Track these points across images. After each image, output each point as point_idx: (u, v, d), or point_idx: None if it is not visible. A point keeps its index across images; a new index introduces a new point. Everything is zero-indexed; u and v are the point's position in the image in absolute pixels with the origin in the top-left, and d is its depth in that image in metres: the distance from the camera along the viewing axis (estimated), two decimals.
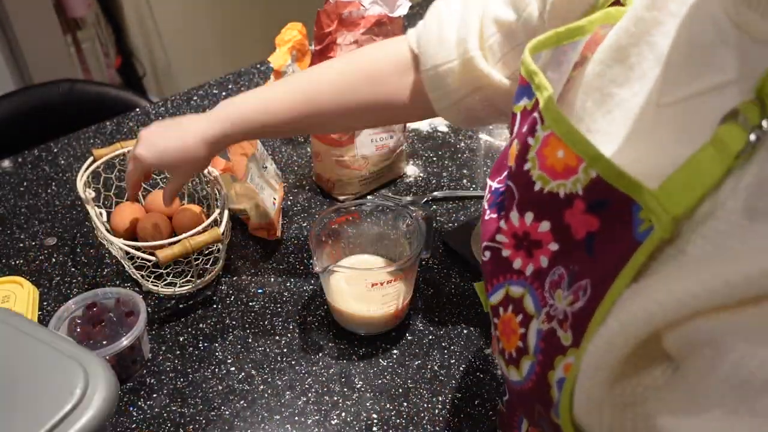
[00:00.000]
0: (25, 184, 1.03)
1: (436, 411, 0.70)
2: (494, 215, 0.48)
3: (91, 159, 0.87)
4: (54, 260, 0.89)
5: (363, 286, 0.72)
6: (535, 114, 0.43)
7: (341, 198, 0.97)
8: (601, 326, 0.35)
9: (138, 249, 0.77)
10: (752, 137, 0.30)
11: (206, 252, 0.83)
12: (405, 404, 0.70)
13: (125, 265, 0.80)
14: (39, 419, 0.49)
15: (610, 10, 0.47)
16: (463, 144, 1.09)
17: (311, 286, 0.84)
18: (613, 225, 0.36)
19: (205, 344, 0.77)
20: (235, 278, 0.86)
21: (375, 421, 0.69)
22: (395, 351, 0.76)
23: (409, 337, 0.78)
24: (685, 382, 0.33)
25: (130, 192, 0.79)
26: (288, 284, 0.85)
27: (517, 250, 0.44)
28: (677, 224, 0.33)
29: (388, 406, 0.70)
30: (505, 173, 0.48)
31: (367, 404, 0.70)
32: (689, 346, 0.32)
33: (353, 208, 0.79)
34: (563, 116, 0.40)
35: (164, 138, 0.73)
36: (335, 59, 0.73)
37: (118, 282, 0.85)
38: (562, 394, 0.38)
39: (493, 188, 0.50)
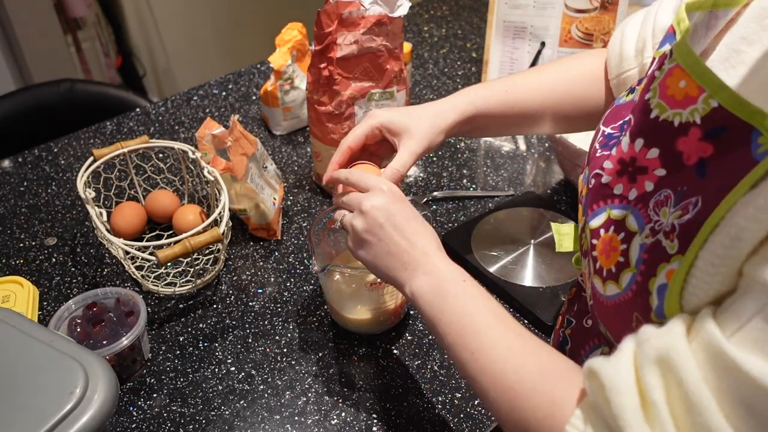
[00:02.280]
0: (25, 183, 1.03)
1: (436, 411, 0.70)
2: (606, 153, 0.51)
3: (91, 159, 0.87)
4: (54, 260, 0.89)
5: (362, 286, 0.72)
6: (667, 51, 0.45)
7: None
8: (715, 231, 0.37)
9: (138, 249, 0.77)
10: None
11: (206, 252, 0.83)
12: (405, 404, 0.70)
13: (125, 265, 0.80)
14: (39, 419, 0.49)
15: None
16: (463, 144, 1.09)
17: (311, 286, 0.84)
18: (728, 150, 0.39)
19: (205, 344, 0.77)
20: (235, 278, 0.86)
21: (375, 421, 0.69)
22: (395, 351, 0.76)
23: (409, 337, 0.78)
24: None
25: (338, 157, 0.70)
26: (288, 284, 0.85)
27: (620, 176, 0.47)
28: None
29: (388, 406, 0.70)
30: (621, 121, 0.51)
31: (367, 404, 0.70)
32: None
33: None
34: (691, 50, 0.43)
35: (410, 107, 0.73)
36: (545, 71, 0.77)
37: (118, 282, 0.85)
38: (667, 298, 0.41)
39: (606, 132, 0.53)
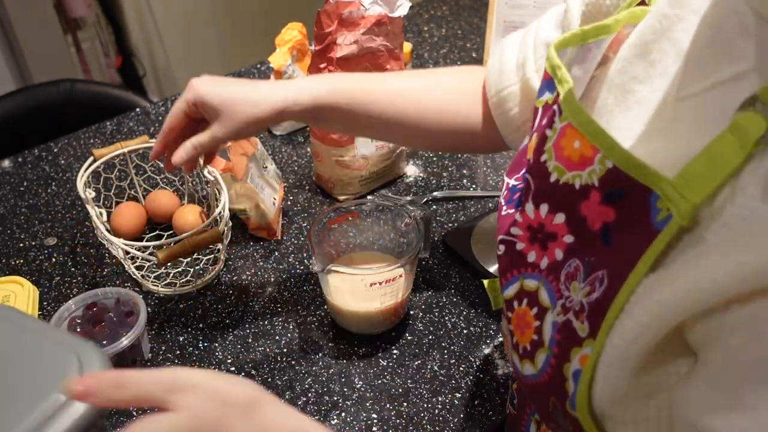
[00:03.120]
0: (25, 183, 1.03)
1: (436, 411, 0.70)
2: (511, 210, 0.49)
3: (91, 159, 0.87)
4: (54, 260, 0.89)
5: (362, 286, 0.72)
6: (555, 107, 0.43)
7: (341, 198, 0.97)
8: (623, 317, 0.35)
9: (138, 249, 0.77)
10: None
11: (206, 252, 0.83)
12: (405, 404, 0.70)
13: (125, 265, 0.80)
14: (34, 410, 0.48)
15: (635, 10, 0.47)
16: None
17: (311, 286, 0.84)
18: (629, 215, 0.36)
19: (205, 344, 0.77)
20: (235, 278, 0.86)
21: (375, 421, 0.69)
22: (395, 351, 0.76)
23: (409, 337, 0.78)
24: (710, 371, 0.33)
25: (160, 138, 0.67)
26: (288, 284, 0.85)
27: (532, 243, 0.44)
28: (696, 212, 0.33)
29: (388, 406, 0.70)
30: (524, 170, 0.48)
31: (367, 404, 0.70)
32: (713, 334, 0.32)
33: (352, 207, 0.79)
34: (581, 108, 0.40)
35: (233, 81, 0.67)
36: (412, 78, 0.74)
37: (118, 282, 0.85)
38: (579, 385, 0.38)
39: (510, 185, 0.51)
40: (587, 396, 0.37)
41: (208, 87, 0.64)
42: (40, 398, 0.49)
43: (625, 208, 0.37)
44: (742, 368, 0.31)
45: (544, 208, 0.43)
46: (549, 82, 0.46)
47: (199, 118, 0.66)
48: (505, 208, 0.50)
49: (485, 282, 0.61)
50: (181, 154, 0.65)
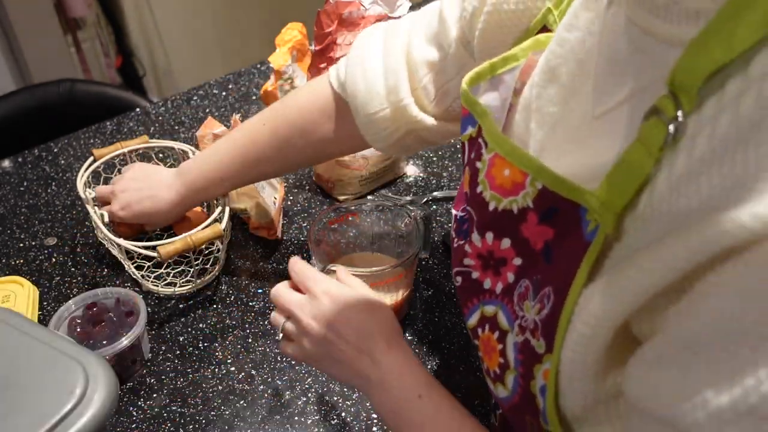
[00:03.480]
0: (25, 183, 1.03)
1: None
2: (461, 242, 0.50)
3: (91, 159, 0.87)
4: (54, 260, 0.89)
5: None
6: (480, 140, 0.45)
7: (341, 198, 0.97)
8: (570, 329, 0.36)
9: (138, 247, 0.77)
10: (671, 128, 0.31)
11: (206, 252, 0.83)
12: None
13: (125, 265, 0.80)
14: (39, 419, 0.49)
15: (539, 37, 0.49)
16: None
17: None
18: (565, 231, 0.38)
19: (205, 344, 0.77)
20: (235, 278, 0.86)
21: (375, 421, 0.69)
22: None
23: (409, 337, 0.78)
24: (653, 349, 0.34)
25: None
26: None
27: (485, 270, 0.46)
28: (619, 219, 0.35)
29: None
30: (464, 204, 0.50)
31: (367, 404, 0.70)
32: (656, 324, 0.34)
33: (352, 208, 0.79)
34: (504, 137, 0.43)
35: (139, 202, 0.81)
36: (265, 114, 0.76)
37: (118, 282, 0.85)
38: (547, 399, 0.39)
39: (458, 217, 0.52)
40: (555, 409, 0.39)
41: (130, 216, 0.82)
42: (46, 409, 0.50)
43: (560, 224, 0.39)
44: (683, 342, 0.32)
45: (489, 236, 0.45)
46: (468, 117, 0.48)
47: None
48: (456, 240, 0.51)
49: None
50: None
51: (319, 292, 0.58)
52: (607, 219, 0.35)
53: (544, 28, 0.51)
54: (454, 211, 0.54)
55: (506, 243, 0.43)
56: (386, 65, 0.65)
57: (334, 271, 0.71)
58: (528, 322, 0.41)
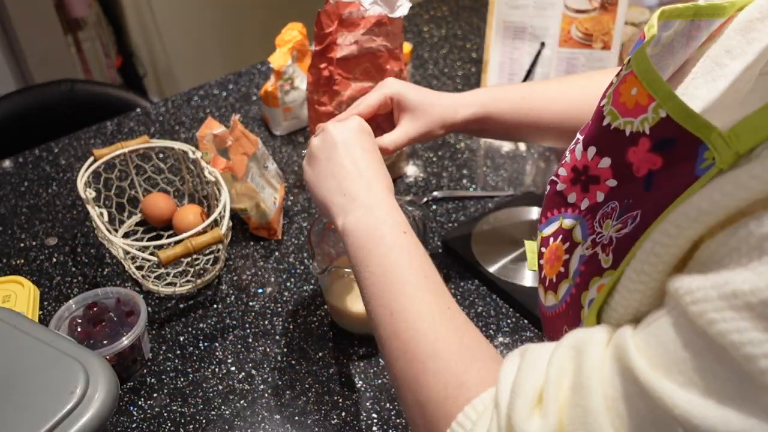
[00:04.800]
0: (25, 184, 1.03)
1: None
2: (569, 159, 0.50)
3: (91, 159, 0.87)
4: (55, 260, 0.89)
5: None
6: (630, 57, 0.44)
7: None
8: (644, 242, 0.36)
9: (139, 249, 0.77)
10: None
11: (206, 252, 0.84)
12: None
13: (125, 265, 0.81)
14: (39, 419, 0.49)
15: None
16: (463, 144, 1.09)
17: (311, 286, 0.84)
18: (675, 164, 0.37)
19: (206, 344, 0.78)
20: (235, 278, 0.86)
21: (375, 421, 0.69)
22: None
23: None
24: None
25: (349, 114, 0.68)
26: (288, 284, 0.85)
27: (573, 184, 0.46)
28: (737, 159, 0.34)
29: (388, 406, 0.70)
30: None
31: (367, 404, 0.71)
32: (727, 245, 0.33)
33: None
34: (647, 57, 0.41)
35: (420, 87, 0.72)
36: (564, 83, 0.74)
37: (118, 282, 0.85)
38: (590, 311, 0.39)
39: (579, 140, 0.52)
40: (594, 323, 0.39)
41: (406, 86, 0.69)
42: (46, 409, 0.50)
43: (673, 157, 0.38)
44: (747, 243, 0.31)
45: (591, 151, 0.44)
46: (641, 41, 0.46)
47: (385, 112, 0.70)
48: (566, 157, 0.51)
49: (527, 243, 0.66)
50: (388, 151, 0.68)
51: (352, 118, 0.62)
52: (726, 156, 0.34)
53: None
54: (578, 134, 0.52)
55: (606, 162, 0.43)
56: None
57: (335, 272, 0.71)
58: (603, 237, 0.41)
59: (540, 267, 0.48)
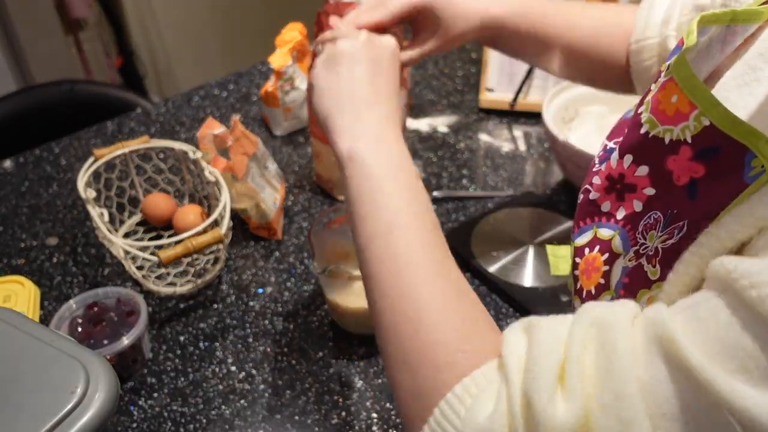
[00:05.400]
0: (26, 184, 1.03)
1: None
2: (601, 167, 0.49)
3: (92, 159, 0.87)
4: (55, 260, 0.89)
5: (362, 286, 0.72)
6: (668, 63, 0.43)
7: (341, 198, 0.97)
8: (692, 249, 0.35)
9: (139, 249, 0.77)
10: None
11: (207, 252, 0.84)
12: None
13: (126, 265, 0.81)
14: (39, 419, 0.49)
15: None
16: (463, 144, 1.09)
17: (311, 286, 0.84)
18: (720, 171, 0.37)
19: (206, 344, 0.78)
20: (235, 278, 0.86)
21: (375, 420, 0.69)
22: None
23: None
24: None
25: (361, 21, 0.63)
26: (288, 284, 0.85)
27: (608, 193, 0.45)
28: None
29: (388, 405, 0.70)
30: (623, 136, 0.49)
31: (367, 404, 0.71)
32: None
33: None
34: (687, 64, 0.40)
35: None
36: (583, 12, 0.72)
37: (119, 282, 0.85)
38: None
39: (608, 147, 0.51)
40: None
41: None
42: (46, 409, 0.50)
43: (717, 165, 0.37)
44: None
45: (628, 159, 0.44)
46: (679, 48, 0.46)
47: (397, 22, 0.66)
48: (597, 165, 0.50)
49: (548, 247, 0.62)
50: (408, 64, 0.67)
51: (392, 44, 0.58)
52: None
53: None
54: (605, 141, 0.51)
55: (643, 170, 0.42)
56: (670, 1, 0.65)
57: (335, 272, 0.71)
58: (648, 249, 0.40)
59: (575, 278, 0.47)
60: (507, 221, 0.90)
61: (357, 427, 0.68)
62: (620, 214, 0.44)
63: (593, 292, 0.44)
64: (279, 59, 1.05)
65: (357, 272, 0.72)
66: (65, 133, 1.13)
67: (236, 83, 1.25)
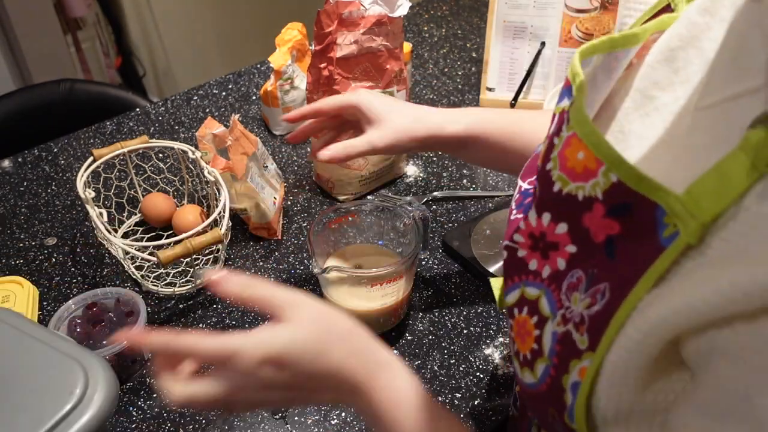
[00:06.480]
0: (25, 183, 1.03)
1: None
2: (519, 215, 0.48)
3: (91, 159, 0.87)
4: (54, 260, 0.89)
5: (361, 287, 0.72)
6: (566, 115, 0.42)
7: (341, 198, 0.97)
8: (620, 332, 0.34)
9: (138, 249, 0.77)
10: None
11: (206, 252, 0.83)
12: None
13: (125, 265, 0.80)
14: (39, 419, 0.49)
15: (664, 18, 0.47)
16: None
17: (311, 286, 0.84)
18: (635, 229, 0.36)
19: None
20: None
21: None
22: (395, 351, 0.76)
23: (409, 337, 0.78)
24: (698, 394, 0.32)
25: (301, 112, 0.71)
26: (288, 284, 0.84)
27: (533, 251, 0.44)
28: (705, 230, 0.32)
29: None
30: (535, 176, 0.48)
31: None
32: (704, 356, 0.32)
33: (352, 208, 0.79)
34: (587, 118, 0.39)
35: (393, 98, 0.72)
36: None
37: (117, 282, 0.85)
38: (578, 398, 0.37)
39: (522, 188, 0.50)
40: (585, 409, 0.37)
41: (373, 97, 0.70)
42: (46, 409, 0.50)
43: (631, 222, 0.36)
44: (727, 398, 0.30)
45: (546, 217, 0.43)
46: (568, 89, 0.45)
47: (342, 121, 0.71)
48: (514, 212, 0.49)
49: (492, 281, 0.61)
50: (329, 154, 0.68)
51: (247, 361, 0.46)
52: (692, 228, 0.32)
53: (667, 8, 0.48)
54: (520, 182, 0.51)
55: (562, 228, 0.41)
56: None
57: (335, 272, 0.71)
58: (574, 314, 0.39)
59: (512, 339, 0.46)
60: (507, 221, 0.90)
61: (357, 427, 0.68)
62: (545, 272, 0.42)
63: (529, 357, 0.43)
64: (278, 59, 1.05)
65: (357, 272, 0.72)
66: (64, 133, 1.13)
67: (236, 83, 1.25)
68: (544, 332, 0.41)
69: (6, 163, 1.07)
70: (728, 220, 0.32)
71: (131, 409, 0.70)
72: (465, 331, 0.78)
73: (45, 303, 0.83)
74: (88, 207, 0.80)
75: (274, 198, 0.90)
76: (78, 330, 0.73)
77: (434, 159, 1.05)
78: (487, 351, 0.76)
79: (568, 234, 0.41)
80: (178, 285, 0.81)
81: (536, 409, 0.44)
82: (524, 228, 0.45)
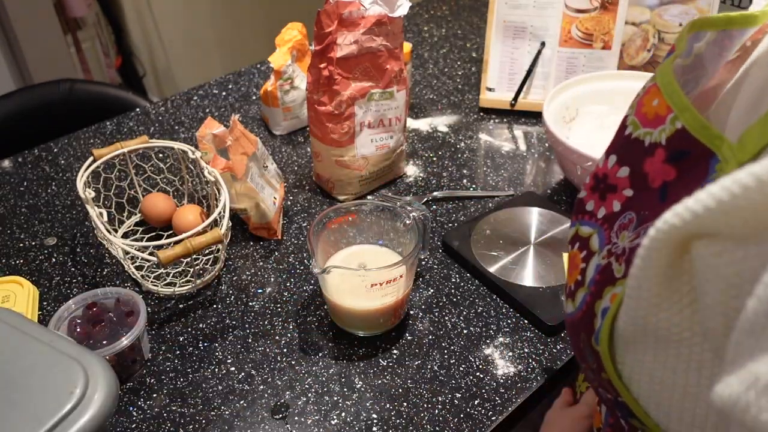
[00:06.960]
0: (25, 183, 1.03)
1: (436, 411, 0.70)
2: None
3: (91, 159, 0.87)
4: (54, 260, 0.89)
5: (362, 286, 0.72)
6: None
7: (341, 198, 0.97)
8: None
9: (138, 249, 0.77)
10: None
11: (206, 252, 0.83)
12: (405, 404, 0.70)
13: (125, 265, 0.80)
14: (39, 419, 0.49)
15: None
16: (463, 144, 1.09)
17: (311, 286, 0.84)
18: (688, 175, 0.37)
19: (205, 344, 0.77)
20: (235, 278, 0.86)
21: (375, 421, 0.69)
22: (395, 351, 0.76)
23: (409, 337, 0.78)
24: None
25: None
26: (288, 284, 0.85)
27: (593, 192, 0.46)
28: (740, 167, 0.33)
29: (388, 406, 0.70)
30: None
31: (367, 404, 0.70)
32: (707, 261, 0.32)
33: (352, 208, 0.79)
34: (670, 69, 0.41)
35: None
36: None
37: (118, 282, 0.85)
38: (605, 321, 0.39)
39: None
40: (609, 331, 0.39)
41: None
42: (46, 409, 0.50)
43: (687, 169, 0.38)
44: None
45: (612, 160, 0.45)
46: (671, 53, 0.46)
47: None
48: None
49: (564, 255, 0.66)
50: None
51: None
52: (732, 166, 0.33)
53: None
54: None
55: (624, 171, 0.43)
56: None
57: (335, 272, 0.71)
58: (618, 248, 0.41)
59: (567, 273, 0.49)
60: (507, 221, 0.90)
61: (357, 428, 0.68)
62: (600, 213, 0.45)
63: (572, 288, 0.45)
64: (278, 59, 1.05)
65: (356, 272, 0.72)
66: (64, 133, 1.13)
67: (236, 83, 1.25)
68: (589, 265, 0.44)
69: (6, 163, 1.07)
70: (764, 156, 0.32)
71: (131, 409, 0.71)
72: (465, 331, 0.78)
73: (45, 303, 0.83)
74: (88, 207, 0.80)
75: (274, 198, 0.90)
76: (78, 330, 0.73)
77: (434, 159, 1.05)
78: (487, 351, 0.76)
79: (629, 178, 0.43)
80: (178, 285, 0.81)
81: (572, 336, 0.46)
82: (593, 168, 0.48)
